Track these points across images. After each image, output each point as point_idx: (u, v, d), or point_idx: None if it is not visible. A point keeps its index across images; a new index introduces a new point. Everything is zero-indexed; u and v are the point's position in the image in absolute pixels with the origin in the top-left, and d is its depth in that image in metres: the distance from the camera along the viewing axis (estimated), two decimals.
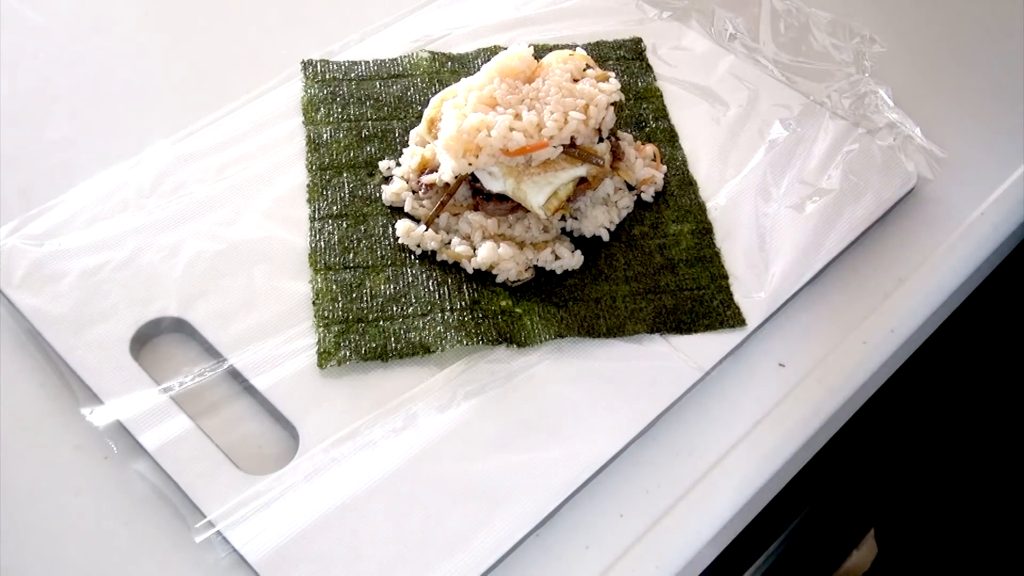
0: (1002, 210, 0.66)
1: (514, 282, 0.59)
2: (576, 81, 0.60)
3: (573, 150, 0.59)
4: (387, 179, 0.65)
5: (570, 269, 0.60)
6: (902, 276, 0.62)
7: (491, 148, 0.57)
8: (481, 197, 0.61)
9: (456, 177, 0.60)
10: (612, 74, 0.62)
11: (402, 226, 0.61)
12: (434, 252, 0.61)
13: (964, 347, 0.81)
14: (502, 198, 0.60)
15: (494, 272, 0.59)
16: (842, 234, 0.62)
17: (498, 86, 0.59)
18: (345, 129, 0.67)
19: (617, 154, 0.63)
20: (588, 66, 0.62)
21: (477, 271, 0.60)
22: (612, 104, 0.60)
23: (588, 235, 0.62)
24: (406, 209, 0.63)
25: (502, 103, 0.59)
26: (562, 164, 0.59)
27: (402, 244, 0.61)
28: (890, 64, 0.73)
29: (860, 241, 0.63)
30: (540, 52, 0.66)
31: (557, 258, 0.60)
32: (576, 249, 0.61)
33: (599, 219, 0.62)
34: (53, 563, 0.49)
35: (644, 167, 0.65)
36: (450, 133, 0.58)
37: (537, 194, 0.59)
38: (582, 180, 0.60)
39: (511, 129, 0.57)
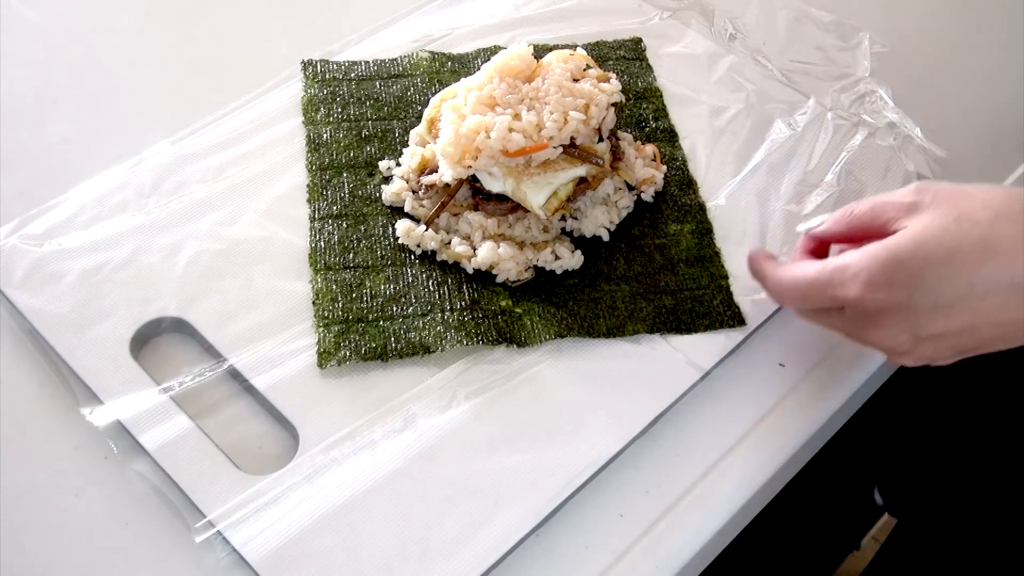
0: None
1: (514, 282, 0.59)
2: (576, 81, 0.60)
3: (573, 150, 0.59)
4: (387, 179, 0.65)
5: (570, 269, 0.60)
6: None
7: (490, 149, 0.57)
8: (481, 197, 0.61)
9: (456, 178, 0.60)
10: (613, 75, 0.62)
11: (402, 226, 0.61)
12: (434, 252, 0.61)
13: None
14: (502, 198, 0.60)
15: (494, 272, 0.59)
16: None
17: (497, 86, 0.59)
18: (345, 129, 0.67)
19: (617, 154, 0.63)
20: (588, 66, 0.62)
21: (477, 271, 0.60)
22: (613, 104, 0.60)
23: (588, 235, 0.62)
24: (406, 209, 0.63)
25: (501, 103, 0.59)
26: (562, 164, 0.59)
27: (402, 244, 0.61)
28: (890, 64, 0.73)
29: None
30: (540, 52, 0.66)
31: (557, 258, 0.60)
32: (576, 249, 0.61)
33: (599, 219, 0.62)
34: (53, 563, 0.49)
35: (644, 167, 0.65)
36: (447, 139, 0.58)
37: (537, 194, 0.59)
38: (582, 180, 0.60)
39: (510, 130, 0.57)
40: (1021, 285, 0.47)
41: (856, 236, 0.52)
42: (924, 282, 0.47)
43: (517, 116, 0.58)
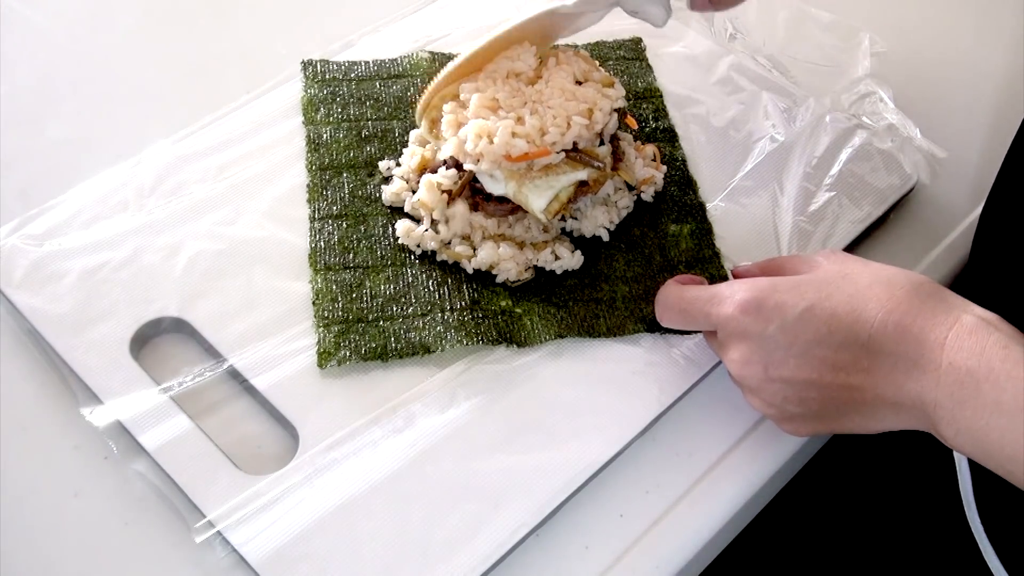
0: None
1: (514, 282, 0.59)
2: (580, 84, 0.60)
3: (575, 154, 0.59)
4: (387, 179, 0.65)
5: (570, 269, 0.60)
6: None
7: (493, 154, 0.57)
8: (481, 197, 0.61)
9: (458, 180, 0.60)
10: (617, 80, 0.62)
11: (402, 226, 0.61)
12: (434, 252, 0.61)
13: None
14: (502, 199, 0.60)
15: (494, 272, 0.59)
16: (842, 234, 0.62)
17: (500, 88, 0.59)
18: (345, 129, 0.67)
19: (617, 154, 0.63)
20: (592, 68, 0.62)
21: (477, 271, 0.60)
22: (616, 110, 0.60)
23: (588, 235, 0.62)
24: (406, 209, 0.63)
25: (504, 106, 0.58)
26: (564, 168, 0.59)
27: (402, 244, 0.61)
28: (890, 64, 0.73)
29: (860, 241, 0.63)
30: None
31: (557, 258, 0.60)
32: (576, 249, 0.61)
33: (599, 219, 0.62)
34: (53, 563, 0.49)
35: (644, 167, 0.65)
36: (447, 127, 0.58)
37: (538, 198, 0.58)
38: (583, 183, 0.60)
39: (513, 135, 0.57)
40: (871, 349, 0.47)
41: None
42: (787, 319, 0.48)
43: (520, 120, 0.58)
